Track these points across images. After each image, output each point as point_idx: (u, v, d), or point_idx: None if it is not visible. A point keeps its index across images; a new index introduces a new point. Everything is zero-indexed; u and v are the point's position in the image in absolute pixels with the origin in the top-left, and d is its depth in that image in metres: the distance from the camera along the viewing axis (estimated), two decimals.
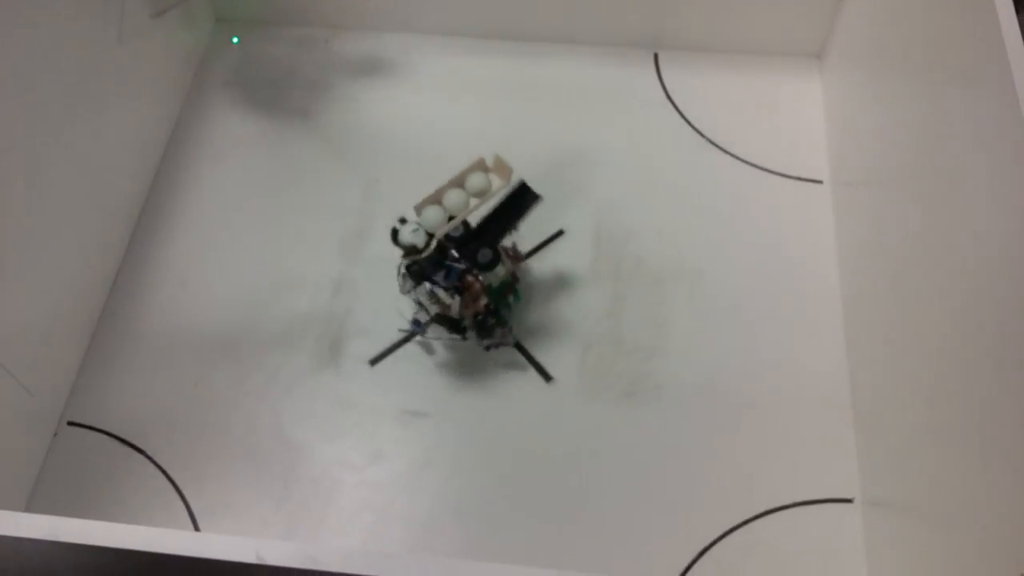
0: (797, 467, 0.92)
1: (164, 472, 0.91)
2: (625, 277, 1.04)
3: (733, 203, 1.10)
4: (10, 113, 0.82)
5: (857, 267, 0.99)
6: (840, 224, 1.07)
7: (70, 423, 0.94)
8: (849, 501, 0.90)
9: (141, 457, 0.92)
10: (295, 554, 0.48)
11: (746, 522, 0.89)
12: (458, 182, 0.90)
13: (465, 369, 0.97)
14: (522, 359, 0.98)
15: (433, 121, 1.17)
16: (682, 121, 1.17)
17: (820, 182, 1.11)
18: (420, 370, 0.97)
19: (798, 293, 1.03)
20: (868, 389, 0.92)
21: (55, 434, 0.93)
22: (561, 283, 1.03)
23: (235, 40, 1.25)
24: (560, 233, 1.07)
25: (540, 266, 1.04)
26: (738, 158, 1.13)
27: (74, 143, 0.93)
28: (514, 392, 0.96)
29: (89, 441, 0.93)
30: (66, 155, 0.92)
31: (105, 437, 0.93)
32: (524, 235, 1.04)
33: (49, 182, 0.89)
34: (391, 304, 0.96)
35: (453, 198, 0.88)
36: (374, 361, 0.98)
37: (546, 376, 0.97)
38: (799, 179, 1.12)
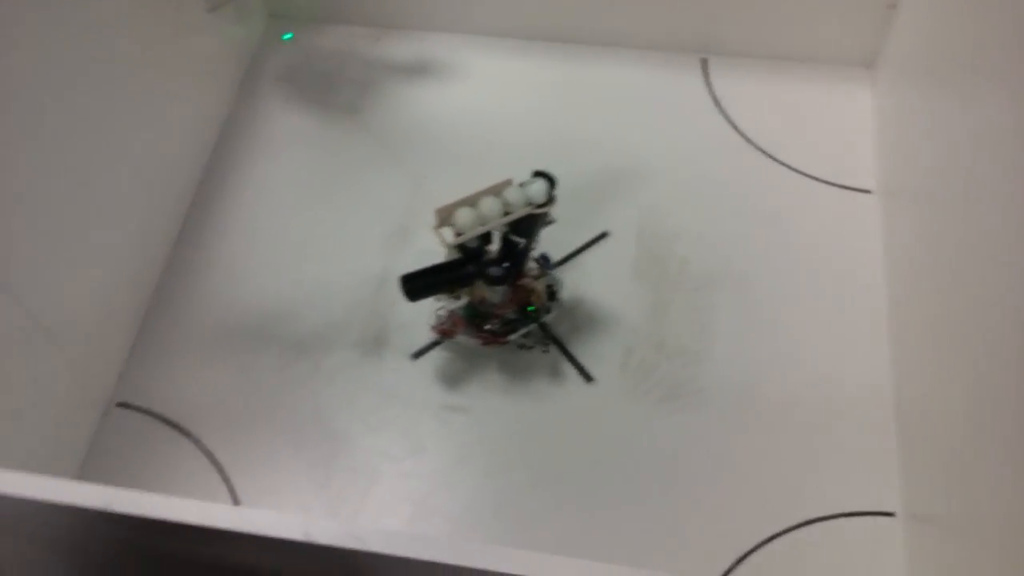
0: (838, 478, 0.91)
1: (209, 455, 0.93)
2: (669, 281, 1.04)
3: (779, 210, 1.09)
4: (70, 103, 0.85)
5: (904, 279, 0.98)
6: (888, 235, 1.05)
7: (119, 404, 0.96)
8: (891, 515, 0.89)
9: (187, 440, 0.93)
10: (342, 534, 0.48)
11: (786, 531, 0.88)
12: (493, 192, 0.90)
13: (506, 367, 0.98)
14: (563, 359, 0.98)
15: (480, 121, 1.18)
16: (729, 127, 1.16)
17: (868, 192, 1.10)
18: (461, 366, 0.98)
19: (843, 302, 1.02)
20: (912, 402, 0.91)
21: (104, 414, 0.95)
22: (604, 285, 1.03)
23: (287, 36, 1.28)
24: (604, 235, 1.07)
25: (583, 267, 1.05)
26: (785, 165, 1.13)
27: (129, 133, 0.96)
28: (555, 391, 0.96)
29: (137, 422, 0.95)
30: (122, 144, 0.94)
31: (152, 419, 0.95)
32: (567, 236, 1.05)
33: (106, 169, 0.92)
34: (433, 300, 0.97)
35: (487, 206, 0.88)
36: (416, 355, 0.99)
37: (587, 377, 0.97)
38: (847, 188, 1.11)
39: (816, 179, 1.11)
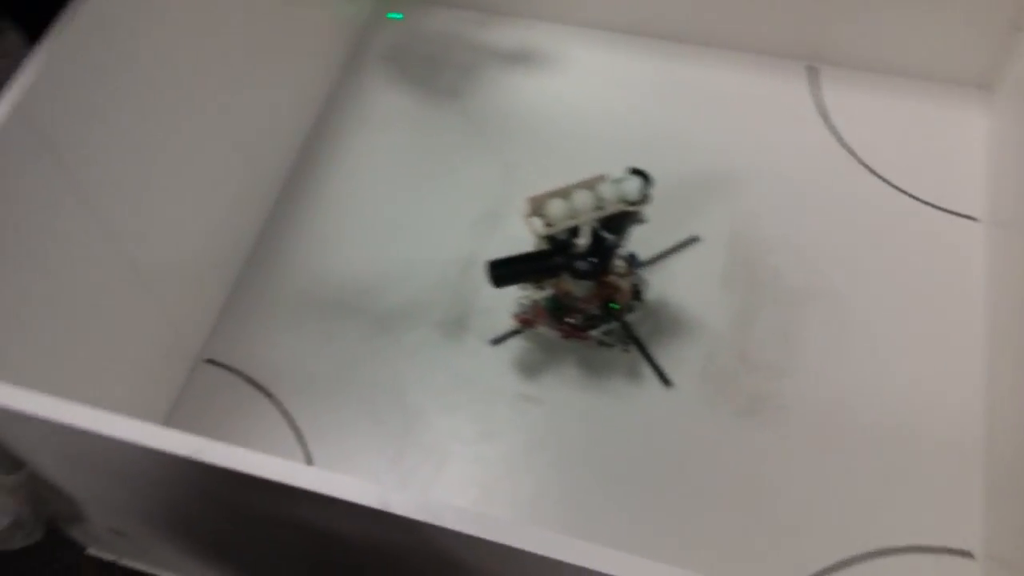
0: (917, 510, 0.88)
1: (288, 417, 0.95)
2: (758, 291, 1.02)
3: (880, 228, 1.06)
4: (186, 68, 0.87)
5: (1007, 312, 0.94)
6: (992, 265, 1.01)
7: (207, 360, 0.99)
8: (969, 555, 0.85)
9: (268, 401, 0.96)
10: (418, 507, 0.49)
11: (855, 559, 0.86)
12: (587, 186, 0.89)
13: (584, 362, 0.98)
14: (643, 360, 0.97)
15: (578, 113, 1.17)
16: (834, 139, 1.13)
17: (974, 219, 1.06)
18: (540, 357, 0.98)
19: (940, 329, 0.98)
20: (1005, 438, 0.87)
21: (192, 369, 0.99)
22: (691, 289, 1.02)
23: (396, 16, 1.29)
24: (695, 239, 1.06)
25: (671, 270, 1.03)
26: (889, 183, 1.09)
27: (237, 101, 0.98)
28: (631, 392, 0.96)
29: (222, 380, 0.98)
30: (230, 111, 0.97)
31: (238, 378, 0.98)
32: (657, 237, 1.03)
33: (213, 134, 0.95)
34: (518, 288, 0.97)
35: (580, 199, 0.88)
36: (496, 341, 0.99)
37: (665, 380, 0.96)
38: (952, 213, 1.07)
39: (920, 200, 1.08)
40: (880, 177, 1.10)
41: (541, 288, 0.94)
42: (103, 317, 0.83)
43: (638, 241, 0.96)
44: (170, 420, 0.96)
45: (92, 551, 0.94)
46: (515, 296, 0.95)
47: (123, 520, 0.80)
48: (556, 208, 0.87)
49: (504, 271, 0.90)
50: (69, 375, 0.79)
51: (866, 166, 1.11)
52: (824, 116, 1.15)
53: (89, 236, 0.78)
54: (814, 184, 1.10)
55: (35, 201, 0.71)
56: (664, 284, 1.02)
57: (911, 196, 1.08)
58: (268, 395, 0.96)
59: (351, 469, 0.91)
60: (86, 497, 0.75)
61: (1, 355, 0.69)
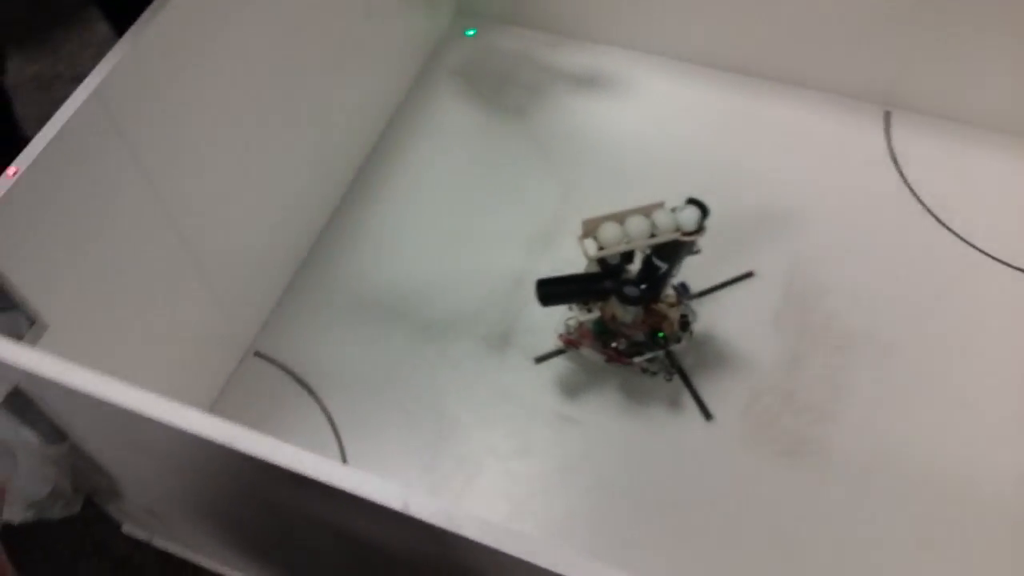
0: (952, 574, 0.85)
1: (328, 416, 0.96)
2: (810, 333, 1.00)
3: (943, 280, 1.03)
4: (260, 69, 0.90)
5: None
6: None
7: (256, 353, 1.01)
8: None
9: (310, 399, 0.97)
10: (438, 512, 0.49)
11: None
12: (643, 212, 0.89)
13: (626, 388, 0.97)
14: (685, 391, 0.96)
15: (643, 140, 1.17)
16: (903, 185, 1.11)
17: None
18: (582, 379, 0.98)
19: (996, 391, 0.95)
20: None
21: (241, 360, 1.01)
22: (741, 325, 1.01)
23: (470, 33, 1.31)
24: (750, 275, 1.04)
25: (722, 304, 1.02)
26: (957, 235, 1.06)
27: (310, 104, 1.01)
28: (671, 422, 0.95)
29: (269, 373, 1.00)
30: (302, 112, 0.99)
31: (283, 373, 1.00)
32: (711, 270, 1.03)
33: (282, 134, 0.97)
34: (565, 308, 0.97)
35: (634, 224, 0.87)
36: (539, 359, 0.99)
37: (707, 414, 0.95)
38: (1017, 268, 1.03)
39: (987, 255, 1.05)
40: (947, 227, 1.07)
41: (589, 310, 0.94)
42: (159, 302, 0.86)
43: (691, 272, 0.95)
44: (214, 408, 0.98)
45: (126, 528, 0.96)
46: (562, 316, 0.95)
47: (158, 501, 0.82)
48: (609, 232, 0.87)
49: (552, 290, 0.90)
50: (121, 356, 0.81)
51: (933, 215, 1.08)
52: (896, 162, 1.13)
53: (152, 222, 0.81)
54: (878, 229, 1.07)
55: (103, 184, 0.73)
56: (714, 317, 1.01)
57: (977, 249, 1.05)
58: (311, 392, 0.98)
59: (383, 472, 0.92)
60: (124, 475, 0.76)
61: (59, 330, 0.71)
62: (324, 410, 0.96)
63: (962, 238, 1.06)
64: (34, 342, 0.69)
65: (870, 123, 1.17)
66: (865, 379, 0.96)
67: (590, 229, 0.88)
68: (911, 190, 1.10)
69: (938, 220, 1.08)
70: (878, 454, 0.91)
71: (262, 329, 1.03)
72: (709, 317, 1.01)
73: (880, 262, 1.05)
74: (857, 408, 0.94)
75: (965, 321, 1.00)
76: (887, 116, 1.17)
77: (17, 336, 0.68)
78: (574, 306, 0.94)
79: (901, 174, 1.12)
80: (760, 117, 1.18)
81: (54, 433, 0.68)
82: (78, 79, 0.69)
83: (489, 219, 1.11)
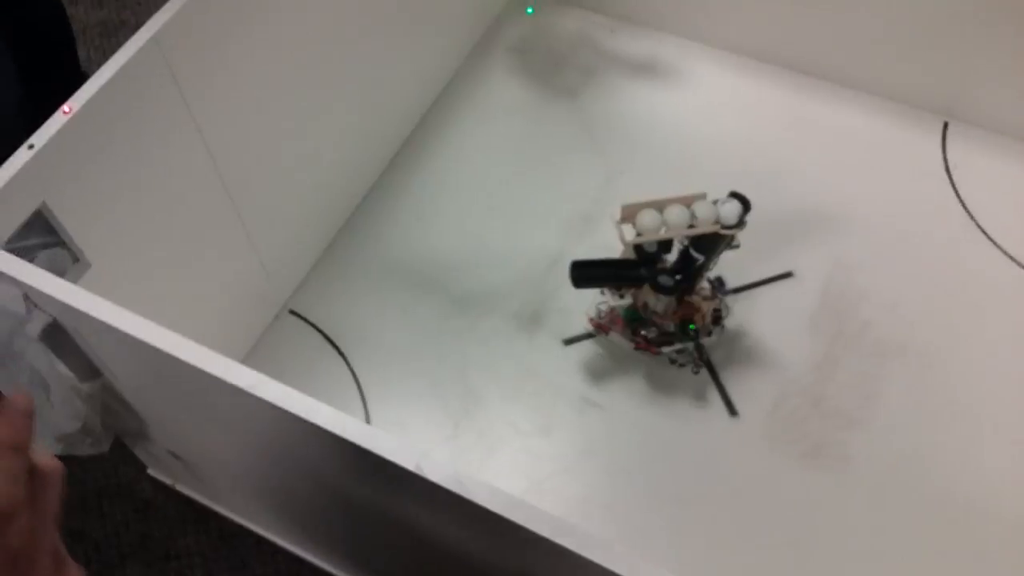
0: None
1: (356, 379, 0.97)
2: (844, 338, 0.99)
3: (987, 297, 1.01)
4: (317, 29, 0.91)
5: None
6: None
7: (291, 311, 1.03)
8: None
9: (340, 360, 0.99)
10: (449, 476, 0.50)
11: None
12: (683, 202, 0.88)
13: (652, 377, 0.97)
14: (712, 386, 0.96)
15: (693, 131, 1.16)
16: (955, 199, 1.09)
17: None
18: (608, 364, 0.98)
19: None
20: None
21: (276, 317, 1.02)
22: (774, 325, 1.00)
23: (529, 11, 1.31)
24: (789, 275, 1.03)
25: (757, 301, 1.01)
26: (1006, 253, 1.04)
27: (364, 67, 1.01)
28: (695, 414, 0.94)
29: (301, 332, 1.01)
30: (356, 76, 1.00)
31: (315, 333, 1.01)
32: (749, 266, 1.02)
33: (334, 96, 0.98)
34: (597, 292, 0.97)
35: (674, 213, 0.87)
36: (568, 341, 0.99)
37: (732, 410, 0.94)
38: None
39: None
40: (996, 244, 1.05)
41: (621, 296, 0.94)
42: (201, 252, 0.87)
43: (729, 266, 0.95)
44: (246, 361, 0.99)
45: (152, 471, 0.99)
46: (593, 300, 0.95)
47: (183, 445, 0.84)
48: (648, 218, 0.86)
49: (586, 272, 0.90)
50: (159, 301, 0.83)
51: (983, 230, 1.06)
52: (949, 173, 1.11)
53: (199, 173, 0.82)
54: (924, 240, 1.05)
55: (154, 130, 0.75)
56: (748, 314, 1.00)
57: (1022, 267, 1.03)
58: (341, 354, 0.99)
59: (405, 436, 0.93)
60: (152, 417, 0.78)
61: (101, 270, 0.73)
62: (352, 373, 0.98)
63: (1010, 256, 1.04)
64: (75, 279, 0.71)
65: (927, 132, 1.14)
66: (896, 390, 0.95)
67: (629, 214, 0.88)
68: (962, 204, 1.08)
69: (987, 236, 1.05)
70: (902, 465, 0.90)
71: (299, 288, 1.05)
72: (743, 314, 1.00)
73: (923, 273, 1.03)
74: (885, 418, 0.93)
75: (1005, 342, 0.98)
76: (945, 127, 1.15)
77: (60, 273, 0.70)
78: (606, 291, 0.94)
79: (953, 187, 1.10)
80: (814, 118, 1.16)
81: (88, 369, 0.70)
82: (143, 27, 0.70)
83: (530, 198, 1.11)
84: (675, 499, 0.90)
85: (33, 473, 0.38)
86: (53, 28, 1.10)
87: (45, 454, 0.39)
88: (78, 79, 1.10)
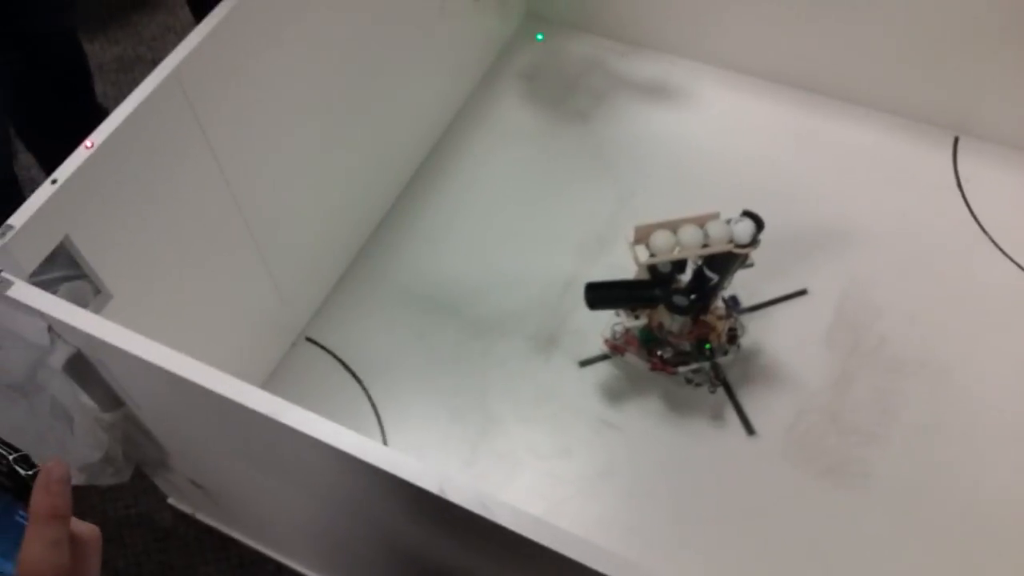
0: None
1: (372, 404, 0.98)
2: (861, 355, 0.98)
3: (1001, 311, 1.01)
4: (330, 60, 0.92)
5: None
6: None
7: (308, 339, 1.04)
8: None
9: (357, 387, 0.99)
10: (472, 497, 0.50)
11: None
12: (697, 222, 0.88)
13: (669, 397, 0.97)
14: (729, 405, 0.96)
15: (703, 152, 1.17)
16: (967, 213, 1.09)
17: None
18: (625, 385, 0.98)
19: None
20: None
21: (293, 344, 1.03)
22: (790, 343, 1.00)
23: (539, 37, 1.32)
24: (803, 292, 1.03)
25: (773, 319, 1.01)
26: (1020, 266, 1.04)
27: (376, 97, 1.03)
28: (712, 434, 0.94)
29: (318, 359, 1.02)
30: (368, 105, 1.01)
31: (332, 359, 1.02)
32: (764, 285, 1.02)
33: (348, 125, 0.99)
34: (612, 314, 0.97)
35: (687, 233, 0.87)
36: (584, 363, 1.00)
37: (749, 428, 0.94)
38: None
39: None
40: (1010, 258, 1.05)
41: (636, 317, 0.94)
42: (220, 282, 0.88)
43: (743, 285, 0.95)
44: (264, 387, 0.99)
45: (172, 500, 0.99)
46: (609, 321, 0.95)
47: (203, 473, 0.84)
48: (661, 239, 0.87)
49: (600, 294, 0.91)
50: (179, 330, 0.84)
51: (997, 245, 1.06)
52: (961, 188, 1.11)
53: (218, 204, 0.83)
54: (937, 255, 1.05)
55: (174, 163, 0.76)
56: (763, 332, 1.00)
57: None
58: (358, 380, 1.00)
59: (424, 462, 0.93)
60: (173, 445, 0.79)
61: (122, 301, 0.74)
62: (369, 398, 0.98)
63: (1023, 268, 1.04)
64: (97, 310, 0.72)
65: (938, 147, 1.15)
66: (914, 405, 0.94)
67: (642, 235, 0.88)
68: (975, 218, 1.08)
69: (1000, 250, 1.05)
70: (921, 482, 0.90)
71: (315, 315, 1.06)
72: (758, 332, 1.00)
73: (937, 288, 1.03)
74: (904, 433, 0.93)
75: (1021, 354, 0.97)
76: (956, 142, 1.15)
77: (82, 304, 0.70)
78: (621, 312, 0.94)
79: (966, 201, 1.10)
80: (825, 135, 1.17)
81: (110, 400, 0.71)
82: (158, 62, 0.72)
83: (543, 221, 1.12)
84: (695, 519, 0.89)
85: (74, 540, 0.39)
86: (68, 62, 1.12)
87: (82, 522, 0.40)
88: (96, 113, 1.11)
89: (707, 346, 0.92)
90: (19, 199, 0.65)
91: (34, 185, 0.68)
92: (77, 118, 1.12)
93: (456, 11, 1.13)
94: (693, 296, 0.90)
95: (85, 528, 0.40)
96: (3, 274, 0.61)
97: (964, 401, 0.95)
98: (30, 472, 0.41)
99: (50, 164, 1.14)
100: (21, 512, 0.42)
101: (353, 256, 1.10)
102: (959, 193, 1.11)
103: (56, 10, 1.05)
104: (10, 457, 0.41)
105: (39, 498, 0.37)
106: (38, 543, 0.37)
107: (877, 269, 1.05)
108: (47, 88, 1.10)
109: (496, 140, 1.21)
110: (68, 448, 0.71)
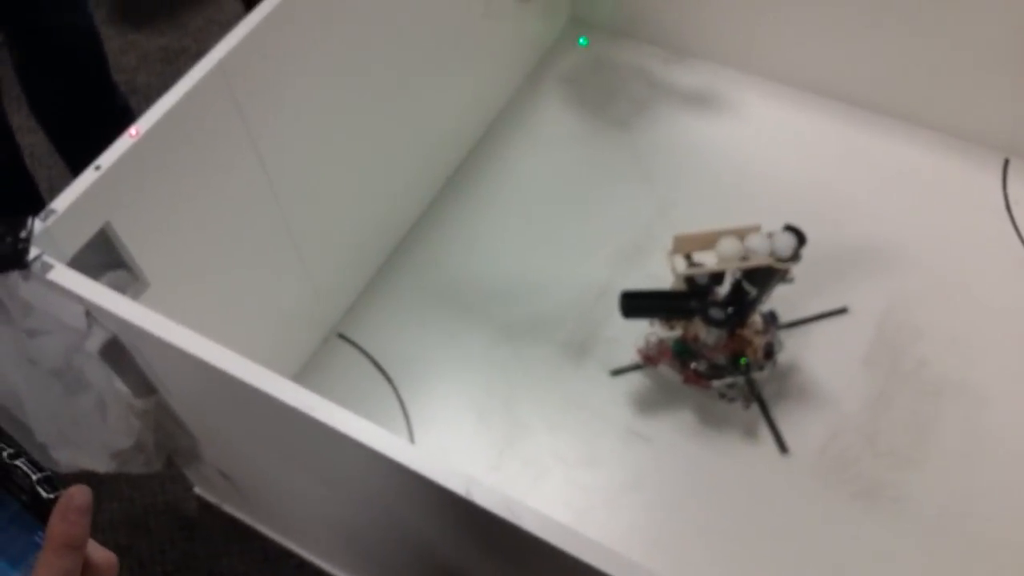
0: None
1: (401, 403, 0.98)
2: (900, 376, 0.96)
3: None
4: (375, 59, 0.92)
5: None
6: None
7: (340, 335, 1.04)
8: None
9: (387, 385, 0.99)
10: (498, 501, 0.49)
11: None
12: (737, 234, 0.87)
13: (702, 411, 0.95)
14: (762, 421, 0.94)
15: (746, 163, 1.15)
16: (1015, 236, 1.06)
17: None
18: (657, 397, 0.97)
19: None
20: None
21: (325, 340, 1.03)
22: (828, 361, 0.98)
23: (583, 42, 1.32)
24: (843, 310, 1.02)
25: (811, 337, 0.99)
26: None
27: (420, 97, 1.03)
28: (744, 450, 0.93)
29: (349, 356, 1.02)
30: (411, 105, 1.01)
31: (363, 357, 1.02)
32: (803, 301, 1.00)
33: (389, 124, 0.99)
34: (647, 323, 0.96)
35: (727, 246, 0.86)
36: (616, 372, 0.99)
37: (783, 447, 0.93)
38: None
39: None
40: None
41: (671, 328, 0.93)
42: (255, 275, 0.89)
43: (782, 300, 0.93)
44: (295, 381, 1.00)
45: (198, 490, 1.00)
46: (642, 331, 0.94)
47: (232, 464, 0.84)
48: (728, 246, 0.86)
49: (636, 303, 0.90)
50: (213, 321, 0.84)
51: None
52: (1010, 211, 1.09)
53: (257, 197, 0.84)
54: (982, 277, 1.03)
55: (215, 154, 0.76)
56: (801, 349, 0.98)
57: None
58: (387, 379, 1.00)
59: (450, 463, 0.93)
60: (204, 435, 0.79)
61: (158, 290, 0.74)
62: (398, 397, 0.98)
63: None
64: (135, 298, 0.73)
65: (987, 168, 1.12)
66: (952, 429, 0.92)
67: (681, 246, 0.87)
68: (1023, 241, 1.06)
69: None
70: (956, 508, 0.87)
71: (348, 312, 1.06)
72: (796, 349, 0.98)
73: (980, 311, 1.00)
74: (940, 458, 0.91)
75: None
76: (1006, 163, 1.12)
77: (119, 291, 0.71)
78: (656, 322, 0.93)
79: (1014, 224, 1.07)
80: (872, 151, 1.15)
81: (144, 386, 0.71)
82: (203, 54, 0.72)
83: (580, 227, 1.11)
84: (722, 536, 0.88)
85: (88, 567, 0.38)
86: (82, 47, 1.10)
87: (99, 548, 0.40)
88: (112, 96, 1.09)
89: (743, 361, 0.90)
90: (25, 178, 0.63)
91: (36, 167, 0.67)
92: (93, 108, 1.12)
93: (500, 13, 1.13)
94: (730, 309, 0.89)
95: (102, 556, 0.39)
96: (44, 257, 0.62)
97: (1002, 428, 0.92)
98: (51, 496, 0.40)
99: (73, 160, 1.14)
100: (40, 533, 0.41)
101: (388, 255, 1.10)
102: (1008, 216, 1.08)
103: (65, 9, 1.05)
104: (34, 477, 0.40)
105: (55, 525, 0.37)
106: (48, 572, 0.36)
107: (919, 289, 1.03)
108: (60, 79, 1.09)
109: (536, 144, 1.20)
110: (101, 435, 0.71)
